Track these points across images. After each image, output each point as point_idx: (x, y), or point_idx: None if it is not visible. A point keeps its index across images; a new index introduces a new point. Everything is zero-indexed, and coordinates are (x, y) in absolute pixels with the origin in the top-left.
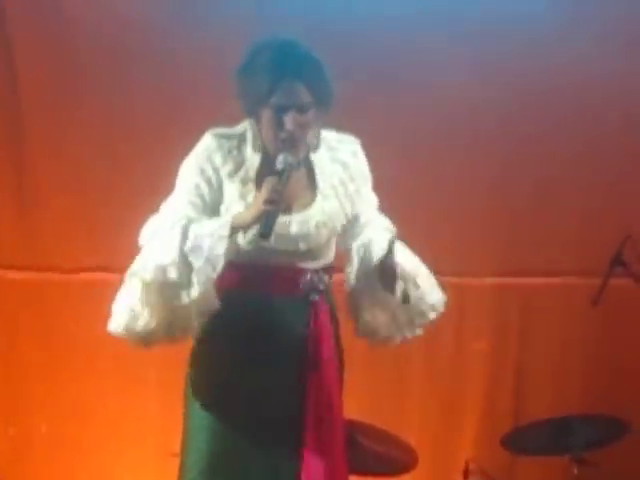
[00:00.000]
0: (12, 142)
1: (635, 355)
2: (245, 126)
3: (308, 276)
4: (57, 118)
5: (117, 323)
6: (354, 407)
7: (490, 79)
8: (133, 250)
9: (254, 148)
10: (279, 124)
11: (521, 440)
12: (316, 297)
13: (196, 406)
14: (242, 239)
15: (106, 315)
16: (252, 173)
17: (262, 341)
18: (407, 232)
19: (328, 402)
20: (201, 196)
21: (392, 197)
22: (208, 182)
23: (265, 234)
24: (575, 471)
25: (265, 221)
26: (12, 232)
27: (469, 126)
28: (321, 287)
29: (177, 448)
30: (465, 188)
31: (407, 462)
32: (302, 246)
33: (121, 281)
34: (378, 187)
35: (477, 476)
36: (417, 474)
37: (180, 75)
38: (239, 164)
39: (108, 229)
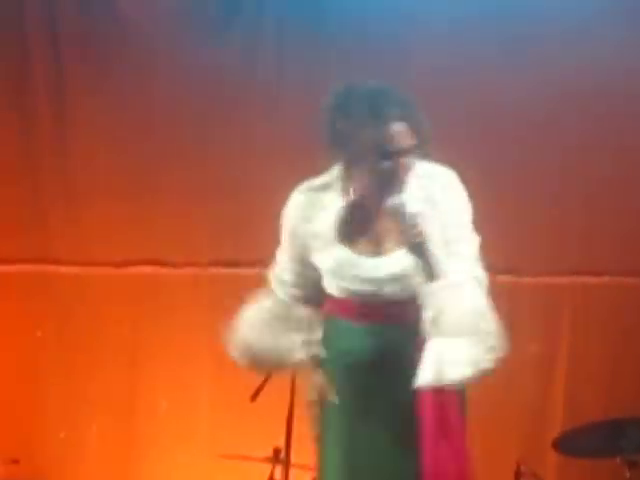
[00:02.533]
0: (57, 139)
1: None
2: (333, 174)
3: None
4: (101, 118)
5: None
6: None
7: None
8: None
9: (339, 193)
10: (384, 169)
11: (572, 442)
12: None
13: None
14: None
15: (154, 311)
16: (334, 220)
17: (378, 371)
18: None
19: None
20: (296, 251)
21: None
22: (296, 237)
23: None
24: (627, 474)
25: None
26: (62, 228)
27: (524, 121)
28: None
29: (226, 449)
30: (517, 187)
31: None
32: (396, 287)
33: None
34: None
35: (528, 478)
36: None
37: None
38: (321, 212)
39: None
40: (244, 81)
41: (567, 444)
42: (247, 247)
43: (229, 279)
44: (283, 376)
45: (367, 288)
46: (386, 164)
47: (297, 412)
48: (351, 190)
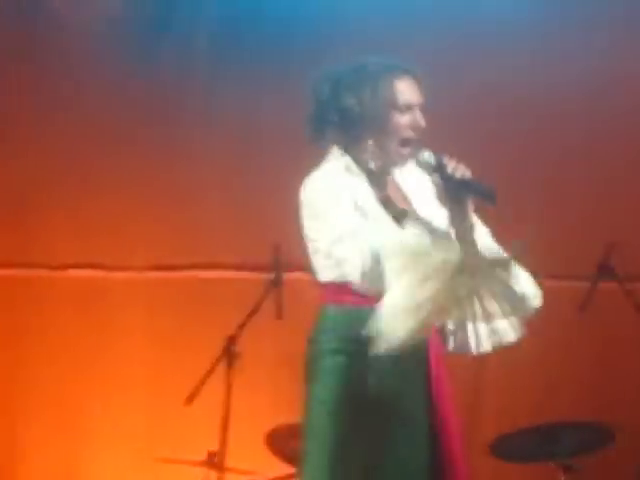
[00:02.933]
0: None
1: (622, 361)
2: (335, 158)
3: None
4: (37, 119)
5: None
6: None
7: None
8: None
9: (355, 172)
10: (406, 124)
11: (507, 447)
12: None
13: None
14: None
15: (91, 313)
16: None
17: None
18: None
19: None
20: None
21: None
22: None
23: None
24: (562, 478)
25: (481, 188)
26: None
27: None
28: None
29: (161, 453)
30: None
31: None
32: None
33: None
34: None
35: None
36: None
37: None
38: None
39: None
40: (180, 84)
41: (502, 448)
42: (183, 251)
43: (165, 283)
44: (218, 379)
45: None
46: (404, 119)
47: (232, 415)
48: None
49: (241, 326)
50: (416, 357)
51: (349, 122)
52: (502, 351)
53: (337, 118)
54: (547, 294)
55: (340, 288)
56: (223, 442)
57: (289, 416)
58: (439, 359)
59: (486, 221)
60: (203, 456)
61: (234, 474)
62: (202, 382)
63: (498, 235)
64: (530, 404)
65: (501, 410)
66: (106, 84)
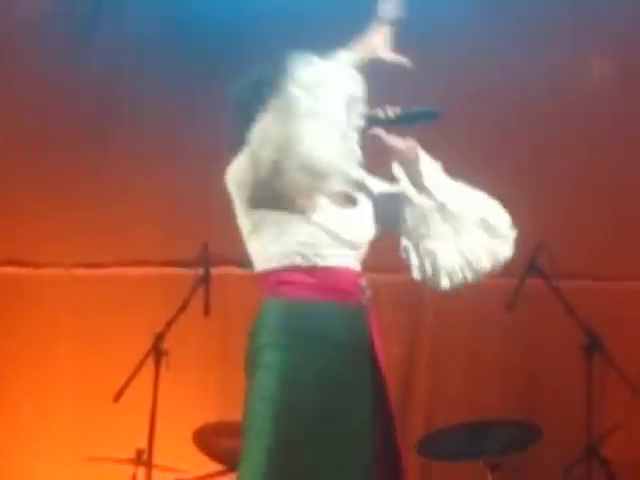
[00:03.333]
0: None
1: (551, 359)
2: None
3: (364, 281)
4: None
5: None
6: None
7: None
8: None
9: None
10: None
11: (434, 445)
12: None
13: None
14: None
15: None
16: None
17: (338, 354)
18: None
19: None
20: None
21: None
22: None
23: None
24: (489, 477)
25: (419, 113)
26: None
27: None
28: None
29: (89, 451)
30: None
31: None
32: (363, 238)
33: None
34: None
35: None
36: None
37: None
38: None
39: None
40: (105, 87)
41: (429, 447)
42: (110, 248)
43: (92, 280)
44: (146, 376)
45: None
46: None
47: (160, 413)
48: None
49: (169, 323)
50: (359, 348)
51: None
52: (431, 348)
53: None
54: (477, 291)
55: (277, 276)
56: (151, 439)
57: (217, 414)
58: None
59: None
60: (131, 453)
61: (162, 471)
62: (130, 379)
63: None
64: (459, 402)
65: (431, 408)
66: (31, 83)
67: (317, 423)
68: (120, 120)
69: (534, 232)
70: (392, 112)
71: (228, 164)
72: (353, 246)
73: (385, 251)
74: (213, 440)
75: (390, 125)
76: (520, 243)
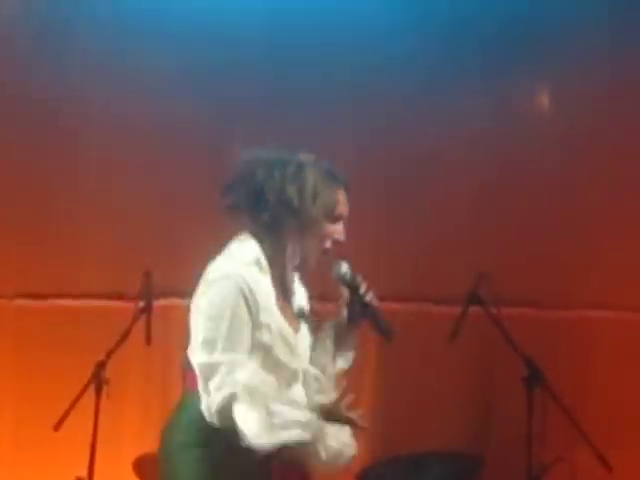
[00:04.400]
0: None
1: (492, 389)
2: (247, 247)
3: None
4: None
5: None
6: None
7: None
8: None
9: (264, 269)
10: (333, 234)
11: (378, 476)
12: None
13: None
14: None
15: None
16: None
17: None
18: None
19: None
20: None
21: None
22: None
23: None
24: None
25: (381, 323)
26: None
27: None
28: None
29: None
30: None
31: None
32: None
33: None
34: None
35: None
36: None
37: None
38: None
39: None
40: (52, 102)
41: (372, 477)
42: (52, 279)
43: (34, 311)
44: (87, 405)
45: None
46: (333, 229)
47: (100, 441)
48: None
49: (110, 352)
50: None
51: (279, 213)
52: (375, 377)
53: (267, 204)
54: (422, 321)
55: None
56: (91, 468)
57: (157, 443)
58: None
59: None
60: None
61: None
62: (70, 408)
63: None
64: (403, 432)
65: (374, 438)
66: None
67: None
68: (61, 149)
69: (476, 263)
70: (369, 297)
71: (172, 193)
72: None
73: (331, 280)
74: (152, 469)
75: (353, 298)
76: (463, 273)
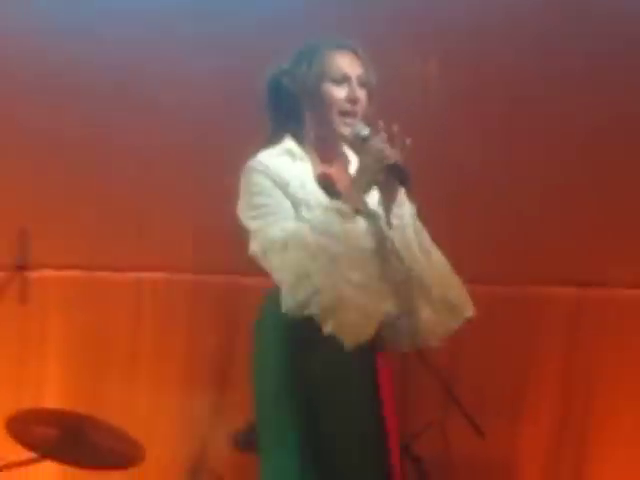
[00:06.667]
0: None
1: None
2: (283, 145)
3: None
4: None
5: None
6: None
7: None
8: None
9: (297, 155)
10: (343, 96)
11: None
12: None
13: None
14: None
15: None
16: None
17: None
18: None
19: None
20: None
21: None
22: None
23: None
24: None
25: (400, 170)
26: None
27: None
28: None
29: None
30: None
31: (135, 456)
32: None
33: None
34: None
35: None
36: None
37: None
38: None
39: None
40: None
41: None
42: None
43: None
44: None
45: None
46: (340, 91)
47: None
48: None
49: None
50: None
51: (289, 103)
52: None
53: (278, 101)
54: None
55: None
56: None
57: (31, 401)
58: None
59: None
60: None
61: None
62: None
63: None
64: None
65: (247, 400)
66: None
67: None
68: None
69: None
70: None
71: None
72: None
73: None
74: (26, 427)
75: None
76: None
